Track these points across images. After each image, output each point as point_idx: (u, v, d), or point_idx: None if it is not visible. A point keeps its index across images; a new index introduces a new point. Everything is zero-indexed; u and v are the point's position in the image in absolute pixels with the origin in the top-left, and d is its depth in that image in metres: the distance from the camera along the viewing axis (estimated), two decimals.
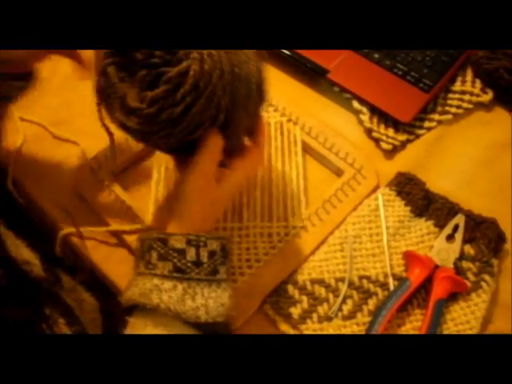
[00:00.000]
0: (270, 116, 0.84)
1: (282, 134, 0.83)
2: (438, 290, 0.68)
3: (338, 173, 0.80)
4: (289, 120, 0.84)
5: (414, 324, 0.68)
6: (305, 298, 0.69)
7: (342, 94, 0.88)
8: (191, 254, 0.57)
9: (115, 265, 0.74)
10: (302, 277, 0.71)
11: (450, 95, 0.88)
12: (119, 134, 0.80)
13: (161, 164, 0.79)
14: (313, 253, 0.73)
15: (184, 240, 0.57)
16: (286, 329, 0.68)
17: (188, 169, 0.61)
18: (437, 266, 0.70)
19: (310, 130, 0.82)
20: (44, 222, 0.80)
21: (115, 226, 0.74)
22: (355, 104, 0.86)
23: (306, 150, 0.82)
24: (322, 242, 0.74)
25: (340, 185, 0.77)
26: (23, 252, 0.67)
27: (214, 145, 0.60)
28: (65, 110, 0.86)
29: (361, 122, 0.85)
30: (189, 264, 0.57)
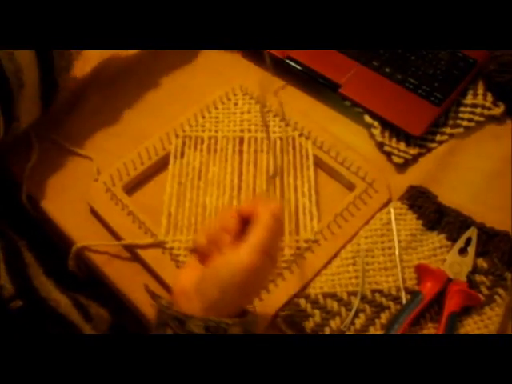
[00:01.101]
0: (281, 130, 0.85)
1: (293, 148, 0.83)
2: (451, 304, 0.68)
3: (350, 187, 0.80)
4: (300, 134, 0.84)
5: None
6: (317, 312, 0.69)
7: (353, 109, 0.88)
8: None
9: (128, 279, 0.74)
10: (315, 290, 0.71)
11: (462, 108, 0.88)
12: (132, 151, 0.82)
13: (174, 178, 0.80)
14: (325, 266, 0.73)
15: (202, 326, 0.52)
16: None
17: (240, 251, 0.53)
18: (449, 280, 0.70)
19: (322, 144, 0.83)
20: (57, 236, 0.80)
21: (128, 240, 0.75)
22: (367, 118, 0.86)
23: (318, 164, 0.83)
24: (334, 256, 0.74)
25: (352, 199, 0.77)
26: (43, 281, 0.66)
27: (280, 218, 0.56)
28: (79, 125, 0.87)
29: (372, 136, 0.86)
30: None
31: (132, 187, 0.80)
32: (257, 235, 0.53)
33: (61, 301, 0.65)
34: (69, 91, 0.85)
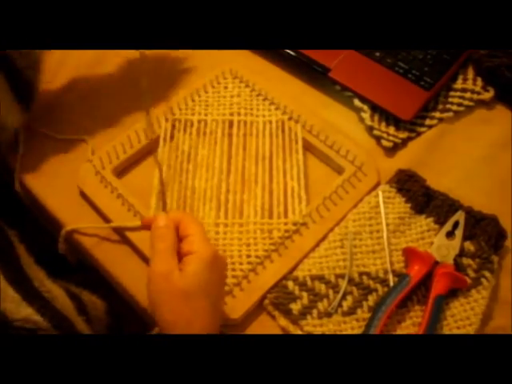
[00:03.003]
0: (271, 114, 0.85)
1: (283, 131, 0.83)
2: (438, 286, 0.68)
3: (339, 170, 0.80)
4: (290, 118, 0.84)
5: (414, 320, 0.69)
6: (305, 294, 0.69)
7: (343, 93, 0.88)
8: None
9: (118, 261, 0.74)
10: (303, 273, 0.71)
11: (451, 93, 0.88)
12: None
13: (163, 161, 0.79)
14: (313, 249, 0.73)
15: None
16: (285, 324, 0.68)
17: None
18: (437, 263, 0.70)
19: (312, 127, 0.83)
20: (48, 221, 0.80)
21: (117, 222, 0.75)
22: (356, 102, 0.86)
23: (307, 147, 0.83)
24: (323, 239, 0.74)
25: (341, 182, 0.78)
26: (35, 270, 0.66)
27: (165, 229, 0.59)
28: (67, 112, 0.87)
29: (362, 119, 0.86)
30: None
31: (121, 170, 0.80)
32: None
33: (54, 291, 0.65)
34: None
